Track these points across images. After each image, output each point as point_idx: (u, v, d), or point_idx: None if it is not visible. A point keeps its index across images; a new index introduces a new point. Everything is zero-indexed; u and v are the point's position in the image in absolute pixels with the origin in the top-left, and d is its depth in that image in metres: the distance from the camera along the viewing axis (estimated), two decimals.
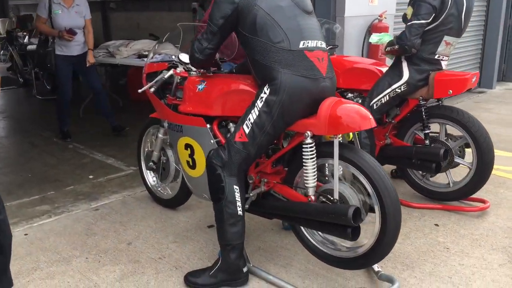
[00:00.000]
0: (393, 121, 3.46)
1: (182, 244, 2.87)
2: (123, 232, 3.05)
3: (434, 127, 3.34)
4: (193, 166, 2.78)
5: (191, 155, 2.77)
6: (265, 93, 2.25)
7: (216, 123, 2.64)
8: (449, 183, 3.39)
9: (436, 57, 3.20)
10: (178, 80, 2.88)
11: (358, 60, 3.69)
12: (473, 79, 3.16)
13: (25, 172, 4.19)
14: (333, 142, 2.31)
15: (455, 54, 7.36)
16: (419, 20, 3.08)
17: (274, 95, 2.22)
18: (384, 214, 2.22)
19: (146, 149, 3.47)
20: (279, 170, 2.64)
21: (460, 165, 3.39)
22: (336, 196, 2.28)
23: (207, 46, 2.38)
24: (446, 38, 3.17)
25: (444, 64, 3.27)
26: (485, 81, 8.12)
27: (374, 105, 3.28)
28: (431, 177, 3.50)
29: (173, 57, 2.54)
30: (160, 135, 3.19)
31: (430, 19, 3.09)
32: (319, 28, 2.44)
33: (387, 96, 3.26)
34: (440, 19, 3.11)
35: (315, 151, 2.35)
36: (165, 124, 2.96)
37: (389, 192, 2.22)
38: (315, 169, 2.37)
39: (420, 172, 3.46)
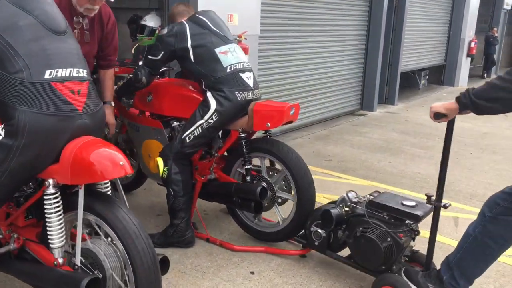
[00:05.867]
0: (216, 154, 3.12)
1: None
2: None
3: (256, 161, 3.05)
4: None
5: None
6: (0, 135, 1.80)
7: None
8: (279, 222, 3.10)
9: (228, 70, 2.88)
10: None
11: (184, 85, 3.29)
12: (291, 111, 2.87)
13: None
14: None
15: (338, 77, 7.36)
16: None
17: (11, 139, 1.78)
18: (136, 281, 1.83)
19: None
20: (34, 223, 2.17)
21: (289, 200, 3.10)
22: (78, 262, 1.85)
23: None
24: (217, 50, 2.90)
25: (246, 76, 2.94)
26: (366, 103, 8.23)
27: (187, 138, 2.91)
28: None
29: None
30: None
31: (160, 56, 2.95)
32: (78, 52, 2.01)
33: (199, 128, 2.90)
34: (189, 44, 2.88)
35: (60, 202, 1.92)
36: None
37: (142, 257, 1.83)
38: (62, 225, 1.94)
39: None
